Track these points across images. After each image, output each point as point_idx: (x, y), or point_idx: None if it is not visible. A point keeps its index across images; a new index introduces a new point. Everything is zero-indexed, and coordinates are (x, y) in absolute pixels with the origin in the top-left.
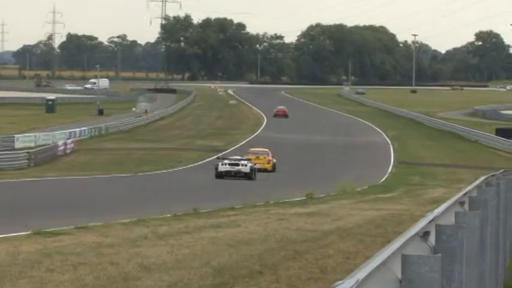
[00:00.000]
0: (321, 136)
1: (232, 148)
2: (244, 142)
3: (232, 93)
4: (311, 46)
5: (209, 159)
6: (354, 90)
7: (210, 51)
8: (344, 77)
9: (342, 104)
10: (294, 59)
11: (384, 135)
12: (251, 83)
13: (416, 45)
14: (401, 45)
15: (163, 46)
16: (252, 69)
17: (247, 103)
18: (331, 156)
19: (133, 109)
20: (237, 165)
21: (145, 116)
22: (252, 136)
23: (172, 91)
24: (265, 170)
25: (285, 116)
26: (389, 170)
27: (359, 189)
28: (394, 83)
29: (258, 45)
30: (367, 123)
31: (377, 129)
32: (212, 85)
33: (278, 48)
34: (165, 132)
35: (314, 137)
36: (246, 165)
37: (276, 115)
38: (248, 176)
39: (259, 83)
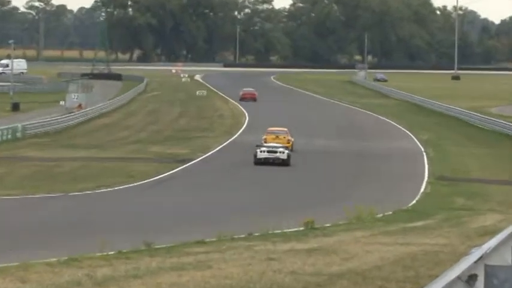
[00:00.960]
0: (325, 140)
1: (203, 156)
2: (218, 148)
3: (200, 80)
4: (312, 14)
5: (170, 172)
6: (372, 76)
7: (169, 20)
8: (358, 58)
9: (355, 95)
10: (287, 33)
11: (415, 139)
12: (227, 65)
13: (460, 12)
14: (438, 12)
15: (104, 13)
16: (229, 47)
17: (221, 94)
18: (341, 168)
19: (62, 102)
20: (275, 152)
21: (79, 112)
22: (229, 140)
23: (117, 77)
24: None
25: (254, 99)
26: (423, 188)
27: (380, 215)
28: (428, 65)
29: (236, 13)
30: (391, 122)
31: (405, 130)
32: (173, 69)
33: (265, 16)
34: (107, 135)
35: (316, 142)
36: (283, 153)
37: (242, 99)
38: (285, 162)
39: (239, 65)
